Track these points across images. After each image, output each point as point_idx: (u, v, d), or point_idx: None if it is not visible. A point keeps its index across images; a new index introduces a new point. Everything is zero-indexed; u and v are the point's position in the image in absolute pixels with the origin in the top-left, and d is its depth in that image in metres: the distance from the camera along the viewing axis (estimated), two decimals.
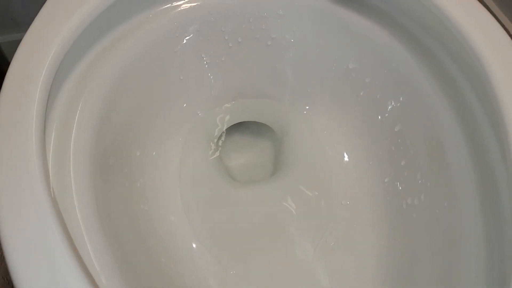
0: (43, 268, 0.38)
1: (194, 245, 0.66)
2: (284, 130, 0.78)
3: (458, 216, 0.51)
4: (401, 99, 0.63)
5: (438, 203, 0.55)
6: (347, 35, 0.66)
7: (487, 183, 0.49)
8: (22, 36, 0.53)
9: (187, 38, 0.68)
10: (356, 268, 0.63)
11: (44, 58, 0.49)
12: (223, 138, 0.81)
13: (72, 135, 0.53)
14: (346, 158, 0.73)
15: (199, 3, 0.66)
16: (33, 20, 0.53)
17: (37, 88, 0.48)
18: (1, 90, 0.48)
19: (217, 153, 0.77)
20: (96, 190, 0.52)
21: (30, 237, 0.39)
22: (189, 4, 0.66)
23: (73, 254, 0.40)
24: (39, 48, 0.50)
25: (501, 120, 0.45)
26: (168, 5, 0.65)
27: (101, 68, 0.59)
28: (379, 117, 0.67)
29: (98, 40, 0.60)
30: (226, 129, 0.80)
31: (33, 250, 0.39)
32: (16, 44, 0.51)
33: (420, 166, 0.60)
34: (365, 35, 0.64)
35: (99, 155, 0.55)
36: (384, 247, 0.62)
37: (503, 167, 0.48)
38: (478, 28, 0.51)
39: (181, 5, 0.66)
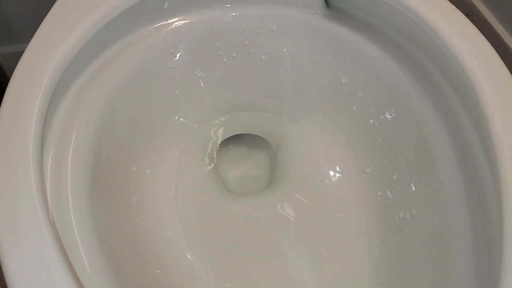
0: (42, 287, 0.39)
1: (190, 259, 0.66)
2: (279, 143, 0.79)
3: (448, 230, 0.52)
4: (392, 113, 0.65)
5: (429, 218, 0.56)
6: (340, 50, 0.67)
7: (476, 197, 0.50)
8: (20, 49, 0.53)
9: (182, 54, 0.69)
10: (349, 280, 0.64)
11: (42, 77, 0.50)
12: (218, 151, 0.82)
13: (69, 153, 0.54)
14: (339, 172, 0.74)
15: (193, 20, 0.67)
16: (30, 32, 0.54)
17: (35, 107, 0.48)
18: (1, 106, 0.48)
19: (213, 166, 0.78)
20: (93, 207, 0.53)
21: (29, 258, 0.40)
22: (183, 21, 0.67)
23: (71, 272, 0.41)
24: (38, 66, 0.51)
25: (488, 133, 0.46)
26: (162, 23, 0.66)
27: (97, 86, 0.60)
28: (372, 130, 0.68)
29: (94, 58, 0.61)
30: (221, 142, 0.81)
31: (32, 270, 0.40)
32: (13, 56, 0.52)
33: (411, 180, 0.61)
34: (357, 50, 0.65)
35: (96, 172, 0.56)
36: (376, 260, 0.63)
37: (491, 180, 0.49)
38: (465, 41, 0.52)
39: (174, 22, 0.67)
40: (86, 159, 0.55)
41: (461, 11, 0.56)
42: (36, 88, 0.50)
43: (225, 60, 0.72)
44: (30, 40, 0.53)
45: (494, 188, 0.46)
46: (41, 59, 0.52)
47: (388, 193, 0.65)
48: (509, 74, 0.50)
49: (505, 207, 0.42)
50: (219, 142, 0.80)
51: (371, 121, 0.68)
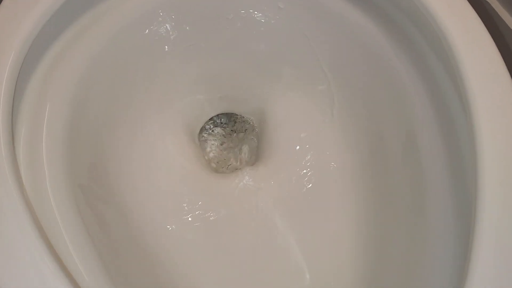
0: (24, 271, 0.39)
1: (170, 229, 0.66)
2: (261, 118, 0.78)
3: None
4: (371, 76, 0.64)
5: (408, 180, 0.58)
6: (321, 13, 0.65)
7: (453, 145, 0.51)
8: None
9: (159, 21, 0.66)
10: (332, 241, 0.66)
11: (8, 50, 0.48)
12: (202, 129, 0.81)
13: (43, 129, 0.52)
14: (322, 142, 0.73)
15: None
16: None
17: (3, 81, 0.46)
18: None
19: (197, 144, 0.77)
20: (73, 183, 0.52)
21: (7, 244, 0.39)
22: None
23: (52, 254, 0.40)
24: (3, 38, 0.49)
25: (460, 81, 0.46)
26: None
27: (71, 56, 0.57)
28: (353, 95, 0.68)
29: (67, 27, 0.58)
30: (205, 121, 0.80)
31: (13, 254, 0.39)
32: None
33: (392, 141, 0.62)
34: (340, 15, 0.64)
35: (72, 148, 0.55)
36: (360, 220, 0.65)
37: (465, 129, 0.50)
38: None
39: None
40: (62, 134, 0.53)
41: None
42: (2, 62, 0.47)
43: (201, 28, 0.69)
44: None
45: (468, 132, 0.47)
46: (7, 31, 0.49)
47: (368, 155, 0.66)
48: (485, 29, 0.50)
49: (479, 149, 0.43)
50: (203, 121, 0.79)
51: (351, 85, 0.68)
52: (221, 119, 0.83)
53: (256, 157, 0.78)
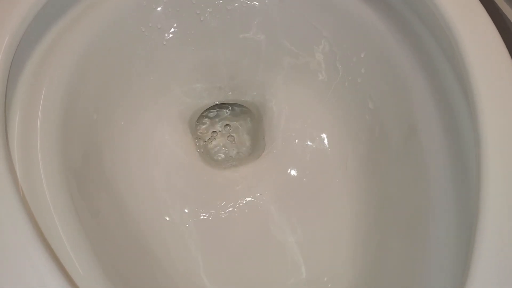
0: (16, 263, 0.37)
1: (169, 220, 0.65)
2: (261, 109, 0.77)
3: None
4: (371, 67, 0.63)
5: (410, 177, 0.56)
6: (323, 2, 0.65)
7: (457, 151, 0.50)
8: None
9: (155, 10, 0.64)
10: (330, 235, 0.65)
11: (1, 37, 0.46)
12: (200, 119, 0.80)
13: (38, 115, 0.50)
14: (321, 133, 0.72)
15: None
16: None
17: None
18: None
19: (194, 135, 0.76)
20: (67, 171, 0.51)
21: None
22: None
23: (45, 246, 0.39)
24: None
25: (467, 79, 0.45)
26: None
27: (68, 42, 0.56)
28: (353, 86, 0.67)
29: (64, 11, 0.57)
30: (202, 111, 0.78)
31: (4, 246, 0.38)
32: None
33: (393, 135, 0.61)
34: (343, 7, 0.63)
35: (67, 136, 0.53)
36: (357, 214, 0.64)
37: (470, 124, 0.49)
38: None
39: None
40: (57, 121, 0.52)
41: None
42: None
43: (202, 18, 0.68)
44: None
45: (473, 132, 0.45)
46: (2, 14, 0.48)
47: (369, 149, 0.65)
48: (491, 21, 0.49)
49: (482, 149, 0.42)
50: (200, 111, 0.78)
51: (351, 76, 0.67)
52: (219, 109, 0.82)
53: (254, 149, 0.77)
